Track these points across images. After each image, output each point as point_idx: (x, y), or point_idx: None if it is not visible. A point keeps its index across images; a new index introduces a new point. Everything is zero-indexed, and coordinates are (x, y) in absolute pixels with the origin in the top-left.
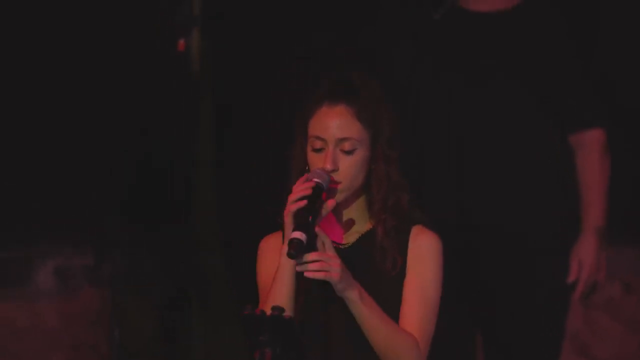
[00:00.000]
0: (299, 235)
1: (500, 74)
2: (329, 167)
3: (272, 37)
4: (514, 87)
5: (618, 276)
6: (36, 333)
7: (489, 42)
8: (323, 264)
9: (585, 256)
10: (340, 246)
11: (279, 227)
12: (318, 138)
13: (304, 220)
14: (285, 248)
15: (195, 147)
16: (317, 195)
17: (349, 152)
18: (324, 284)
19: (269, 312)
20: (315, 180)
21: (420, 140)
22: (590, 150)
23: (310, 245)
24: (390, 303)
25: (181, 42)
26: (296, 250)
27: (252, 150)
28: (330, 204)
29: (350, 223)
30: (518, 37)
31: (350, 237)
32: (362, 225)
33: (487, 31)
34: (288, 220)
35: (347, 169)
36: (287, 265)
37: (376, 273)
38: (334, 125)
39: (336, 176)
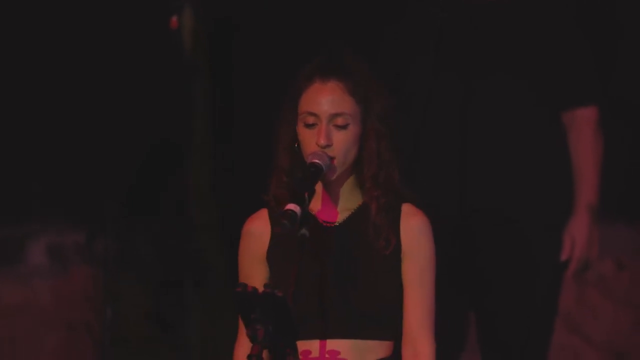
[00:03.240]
0: (293, 207)
1: (502, 57)
2: (322, 142)
3: (268, 14)
4: (514, 70)
5: (610, 254)
6: (28, 311)
7: (489, 25)
8: None
9: (578, 234)
10: (332, 224)
11: (263, 202)
12: (310, 114)
13: (300, 195)
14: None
15: (191, 129)
16: (316, 176)
17: (342, 127)
18: (317, 258)
19: (261, 289)
20: (316, 161)
21: (420, 124)
22: (582, 128)
23: (303, 219)
24: (383, 281)
25: (173, 19)
26: (289, 221)
27: (249, 132)
28: None
29: (342, 201)
30: (519, 18)
31: (342, 215)
32: (354, 203)
33: (487, 14)
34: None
35: (341, 143)
36: None
37: (369, 250)
38: (327, 101)
39: (330, 152)
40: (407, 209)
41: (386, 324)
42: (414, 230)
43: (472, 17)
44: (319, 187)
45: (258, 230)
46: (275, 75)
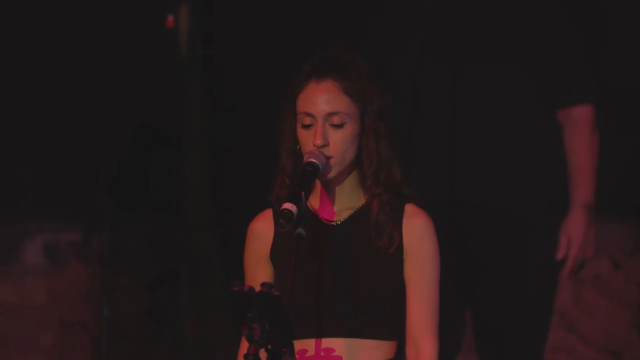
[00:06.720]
0: (289, 206)
1: (494, 50)
2: (318, 142)
3: (264, 14)
4: (508, 63)
5: (606, 252)
6: (24, 310)
7: (483, 17)
8: None
9: (574, 233)
10: (333, 222)
11: (268, 205)
12: (307, 114)
13: (296, 194)
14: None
15: (185, 126)
16: (313, 175)
17: (338, 126)
18: (316, 256)
19: (257, 289)
20: (312, 160)
21: (412, 117)
22: (578, 127)
23: (300, 218)
24: (386, 279)
25: (170, 18)
26: (286, 220)
27: (242, 129)
28: None
29: (343, 199)
30: (513, 11)
31: (343, 214)
32: (356, 201)
33: (482, 6)
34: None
35: (337, 143)
36: None
37: (372, 249)
38: (322, 100)
39: (327, 151)
40: (410, 208)
41: (385, 323)
42: (417, 230)
43: (458, 7)
44: (318, 185)
45: (262, 230)
46: (272, 71)
